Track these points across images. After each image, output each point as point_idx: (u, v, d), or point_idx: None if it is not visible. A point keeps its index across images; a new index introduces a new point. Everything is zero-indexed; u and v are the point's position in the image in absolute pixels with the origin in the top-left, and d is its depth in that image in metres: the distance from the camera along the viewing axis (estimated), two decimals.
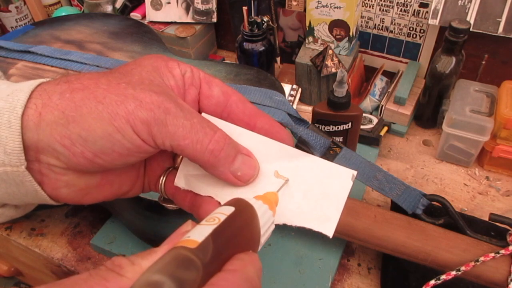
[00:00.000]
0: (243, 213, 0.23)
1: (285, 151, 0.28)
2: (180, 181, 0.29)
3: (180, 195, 0.30)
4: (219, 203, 0.28)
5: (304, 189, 0.28)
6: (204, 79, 0.30)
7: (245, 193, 0.27)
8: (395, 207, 0.54)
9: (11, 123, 0.24)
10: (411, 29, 0.76)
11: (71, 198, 0.28)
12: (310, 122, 0.57)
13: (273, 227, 0.26)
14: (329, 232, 0.27)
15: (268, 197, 0.26)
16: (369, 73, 0.83)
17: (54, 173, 0.26)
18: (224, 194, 0.28)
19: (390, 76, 0.81)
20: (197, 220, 0.27)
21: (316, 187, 0.28)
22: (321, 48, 0.77)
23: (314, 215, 0.28)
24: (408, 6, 0.74)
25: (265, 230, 0.25)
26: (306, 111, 0.81)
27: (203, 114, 0.28)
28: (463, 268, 0.46)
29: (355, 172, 0.28)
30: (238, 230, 0.23)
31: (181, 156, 0.29)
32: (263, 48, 0.77)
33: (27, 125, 0.24)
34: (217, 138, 0.26)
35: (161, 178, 0.30)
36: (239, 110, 0.29)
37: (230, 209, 0.23)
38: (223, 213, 0.23)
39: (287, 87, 0.81)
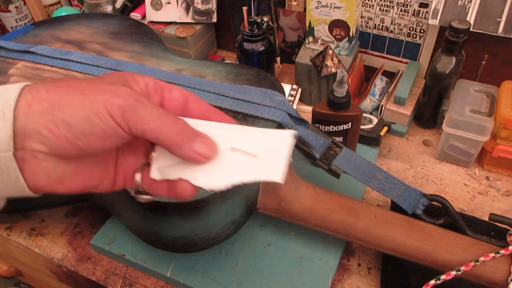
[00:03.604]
0: None
1: (236, 129, 0.33)
2: (155, 173, 0.33)
3: (156, 186, 0.34)
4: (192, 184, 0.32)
5: (253, 152, 0.32)
6: (165, 86, 0.34)
7: (211, 170, 0.32)
8: (395, 207, 0.54)
9: (5, 115, 0.27)
10: (411, 29, 0.76)
11: (47, 184, 0.30)
12: (310, 122, 0.57)
13: None
14: (278, 177, 0.31)
15: None
16: (369, 73, 0.83)
17: (36, 159, 0.29)
18: (194, 174, 0.32)
19: (390, 76, 0.81)
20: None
21: (263, 149, 0.33)
22: (321, 48, 0.77)
23: (263, 169, 0.32)
24: (408, 6, 0.74)
25: None
26: (306, 111, 0.81)
27: None
28: (463, 268, 0.46)
29: (295, 132, 0.33)
30: None
31: (152, 153, 0.34)
32: (263, 48, 0.77)
33: (18, 115, 0.27)
34: (179, 122, 0.31)
35: (137, 174, 0.34)
36: (196, 108, 0.34)
37: None
38: None
39: (287, 87, 0.81)
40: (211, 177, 0.32)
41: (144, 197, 0.35)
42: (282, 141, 0.33)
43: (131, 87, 0.32)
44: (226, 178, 0.32)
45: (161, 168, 0.33)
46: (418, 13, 0.74)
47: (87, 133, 0.28)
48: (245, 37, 0.76)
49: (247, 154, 0.32)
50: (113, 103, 0.28)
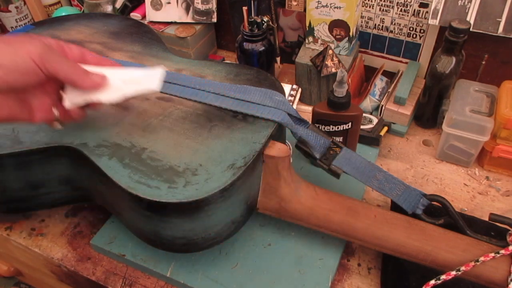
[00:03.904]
0: None
1: (123, 69, 0.49)
2: (68, 104, 0.46)
3: (69, 113, 0.47)
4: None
5: (137, 80, 0.48)
6: (65, 44, 0.46)
7: (108, 93, 0.47)
8: (395, 207, 0.54)
9: None
10: (411, 29, 0.76)
11: None
12: (310, 122, 0.57)
13: None
14: (154, 86, 0.48)
15: None
16: (369, 73, 0.83)
17: None
18: (96, 97, 0.47)
19: (390, 76, 0.81)
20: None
21: (143, 77, 0.49)
22: (321, 48, 0.77)
23: (144, 85, 0.48)
24: (408, 6, 0.74)
25: None
26: (306, 111, 0.81)
27: None
28: (463, 268, 0.46)
29: (164, 69, 0.50)
30: None
31: (64, 93, 0.46)
32: (263, 48, 0.77)
33: None
34: (79, 65, 0.45)
35: (54, 109, 0.47)
36: (90, 58, 0.47)
37: None
38: None
39: (287, 87, 0.81)
40: (108, 96, 0.47)
41: (58, 126, 0.49)
42: (155, 72, 0.49)
43: None
44: (119, 94, 0.47)
45: (71, 99, 0.46)
46: (418, 13, 0.74)
47: (14, 71, 0.39)
48: (245, 37, 0.76)
49: (133, 82, 0.48)
50: (35, 51, 0.40)
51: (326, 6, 0.72)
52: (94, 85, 0.45)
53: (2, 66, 0.39)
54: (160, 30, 0.90)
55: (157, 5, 0.91)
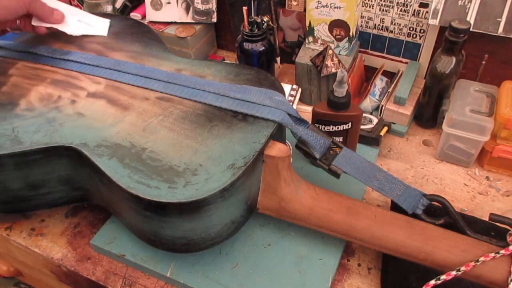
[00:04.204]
0: None
1: (80, 11, 0.67)
2: (34, 23, 0.63)
3: (30, 26, 0.64)
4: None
5: (89, 23, 0.67)
6: None
7: (67, 26, 0.65)
8: (395, 207, 0.54)
9: None
10: (411, 29, 0.76)
11: None
12: (310, 122, 0.57)
13: None
14: (104, 33, 0.68)
15: None
16: (369, 73, 0.83)
17: None
18: (59, 27, 0.64)
19: (390, 76, 0.81)
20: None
21: (95, 22, 0.68)
22: (321, 48, 0.77)
23: (95, 29, 0.67)
24: (408, 6, 0.74)
25: None
26: (306, 111, 0.81)
27: None
28: (463, 268, 0.46)
29: (108, 20, 0.69)
30: None
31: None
32: (263, 48, 0.77)
33: None
34: (48, 6, 0.62)
35: (18, 21, 0.63)
36: None
37: None
38: None
39: (287, 87, 0.81)
40: (68, 28, 0.64)
41: (17, 31, 0.67)
42: (104, 21, 0.68)
43: None
44: (76, 30, 0.65)
45: (37, 22, 0.63)
46: (418, 13, 0.74)
47: (13, 13, 0.59)
48: (245, 37, 0.76)
49: (86, 23, 0.66)
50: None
51: (326, 6, 0.72)
52: (55, 21, 0.64)
53: (6, 8, 0.59)
54: (160, 30, 0.90)
55: (157, 5, 0.91)
